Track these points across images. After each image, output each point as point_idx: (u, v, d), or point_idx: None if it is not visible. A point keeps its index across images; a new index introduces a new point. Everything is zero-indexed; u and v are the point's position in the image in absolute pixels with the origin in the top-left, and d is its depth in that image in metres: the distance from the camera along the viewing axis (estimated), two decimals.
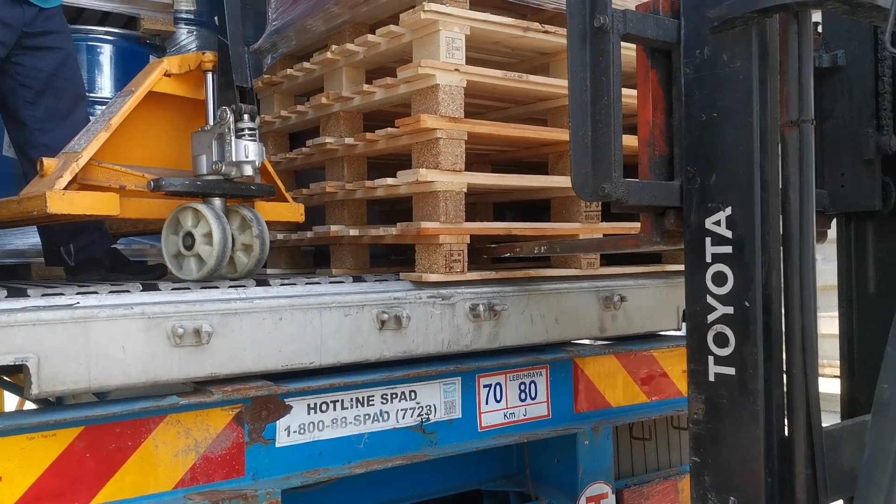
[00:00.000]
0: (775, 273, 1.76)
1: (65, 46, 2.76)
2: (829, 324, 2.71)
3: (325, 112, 2.86)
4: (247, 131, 2.32)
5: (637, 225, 2.06)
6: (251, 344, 2.07)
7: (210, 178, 2.35)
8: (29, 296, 1.89)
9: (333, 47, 2.76)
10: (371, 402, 2.32)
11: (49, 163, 2.25)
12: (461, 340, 2.42)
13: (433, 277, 2.38)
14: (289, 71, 3.03)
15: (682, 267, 1.93)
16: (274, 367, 2.11)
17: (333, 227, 2.74)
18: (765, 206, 1.75)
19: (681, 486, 2.99)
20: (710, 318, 1.80)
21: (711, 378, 1.80)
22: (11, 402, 5.12)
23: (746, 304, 1.74)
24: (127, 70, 3.52)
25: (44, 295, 1.90)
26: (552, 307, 2.62)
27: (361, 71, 2.80)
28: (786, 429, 1.78)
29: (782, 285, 1.76)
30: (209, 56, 2.44)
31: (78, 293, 1.94)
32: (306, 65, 2.91)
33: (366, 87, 2.63)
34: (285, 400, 2.16)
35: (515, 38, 2.61)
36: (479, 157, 3.30)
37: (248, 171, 2.34)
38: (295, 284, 2.27)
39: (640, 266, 2.93)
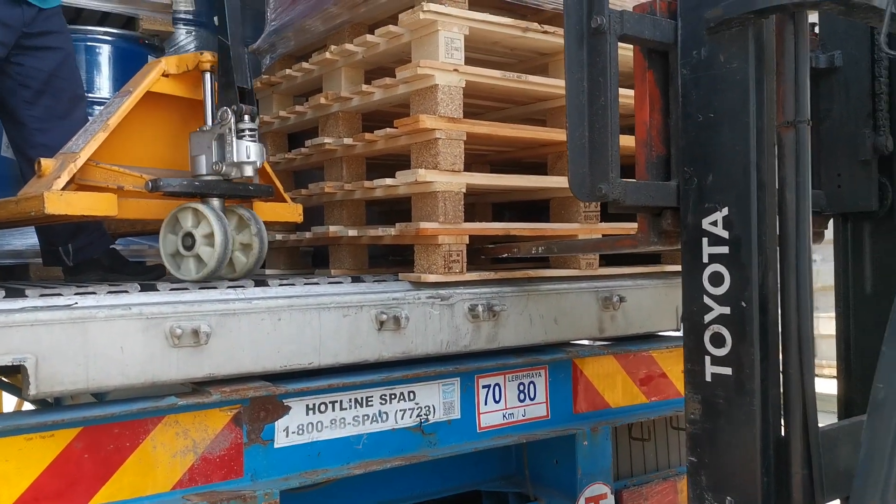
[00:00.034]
0: (772, 273, 1.76)
1: (64, 46, 2.75)
2: (829, 324, 2.70)
3: (323, 112, 2.85)
4: (247, 132, 2.33)
5: (636, 225, 2.06)
6: (250, 344, 2.07)
7: (208, 178, 2.35)
8: (27, 296, 1.88)
9: (332, 47, 2.76)
10: (370, 403, 2.31)
11: (47, 163, 2.25)
12: (460, 341, 2.42)
13: (432, 278, 2.38)
14: (287, 71, 3.02)
15: (680, 267, 1.94)
16: (272, 367, 2.11)
17: (332, 228, 2.74)
18: (761, 206, 1.75)
19: (680, 487, 2.99)
20: (707, 318, 1.81)
21: (708, 378, 1.81)
22: (10, 402, 5.12)
23: (743, 304, 1.74)
24: (126, 70, 3.52)
25: (42, 295, 1.90)
26: (551, 308, 2.61)
27: (360, 71, 2.80)
28: (782, 429, 1.78)
29: (779, 286, 1.77)
30: (207, 56, 2.44)
31: (76, 293, 1.94)
32: (305, 65, 2.91)
33: (364, 87, 2.62)
34: (284, 401, 2.16)
35: (514, 39, 2.61)
36: (478, 157, 3.29)
37: (249, 171, 2.34)
38: (293, 285, 2.27)
39: (640, 266, 2.92)
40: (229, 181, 2.36)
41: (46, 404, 3.07)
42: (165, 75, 2.42)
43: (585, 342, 2.90)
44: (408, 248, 2.57)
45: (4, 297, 1.88)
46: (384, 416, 2.34)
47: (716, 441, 1.80)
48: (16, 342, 1.76)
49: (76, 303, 1.88)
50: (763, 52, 1.77)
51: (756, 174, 1.75)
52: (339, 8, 2.75)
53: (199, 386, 2.06)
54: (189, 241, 2.31)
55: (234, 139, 2.30)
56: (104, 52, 3.68)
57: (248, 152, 2.31)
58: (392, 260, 3.64)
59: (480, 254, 2.80)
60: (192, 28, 3.87)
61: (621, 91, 1.88)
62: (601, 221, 2.78)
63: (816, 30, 2.24)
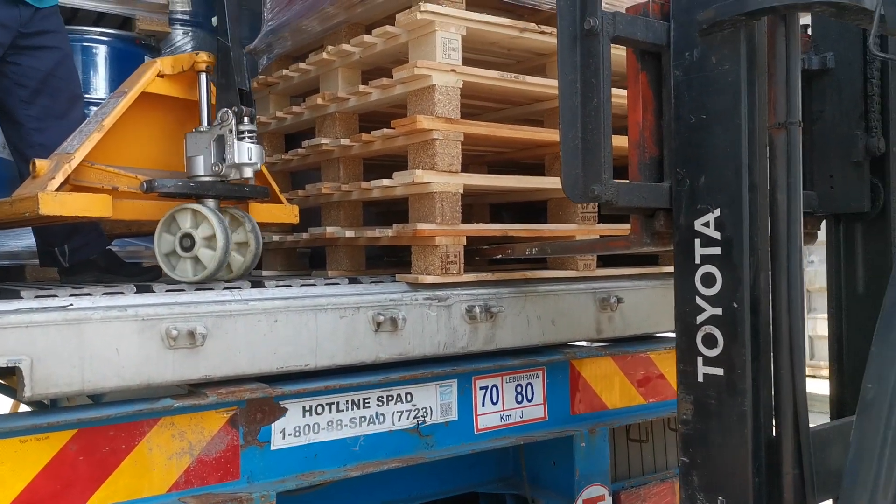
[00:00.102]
0: (763, 274, 1.77)
1: (61, 46, 2.75)
2: (826, 325, 2.70)
3: (320, 113, 2.85)
4: (247, 133, 2.32)
5: None
6: (246, 346, 2.06)
7: (204, 179, 2.34)
8: (22, 297, 1.88)
9: (329, 48, 2.75)
10: (367, 405, 2.31)
11: (41, 164, 2.24)
12: (457, 342, 2.41)
13: (429, 279, 2.37)
14: (284, 72, 3.02)
15: None
16: (269, 369, 2.10)
17: (329, 229, 2.74)
18: (753, 207, 1.76)
19: (677, 489, 2.97)
20: (699, 319, 1.81)
21: (700, 379, 1.82)
22: (5, 404, 5.10)
23: (734, 305, 1.75)
24: (122, 71, 3.50)
25: (37, 297, 1.89)
26: (549, 309, 2.61)
27: (357, 72, 2.79)
28: (773, 429, 1.79)
29: (770, 286, 1.77)
30: (203, 57, 2.43)
31: (71, 295, 1.93)
32: (302, 65, 2.90)
33: (362, 87, 2.62)
34: (280, 402, 2.15)
35: (512, 39, 2.61)
36: (476, 158, 3.29)
37: (249, 173, 2.34)
38: (290, 286, 2.26)
39: (637, 267, 2.92)
40: (225, 182, 2.36)
41: (42, 406, 3.06)
42: (161, 76, 2.41)
43: (583, 343, 2.90)
44: (405, 250, 2.57)
45: (0, 299, 1.87)
46: (381, 418, 2.33)
47: (708, 441, 1.81)
48: (11, 344, 1.75)
49: (72, 304, 1.87)
50: (755, 53, 1.78)
51: (748, 175, 1.76)
52: (335, 8, 2.75)
53: (196, 388, 2.05)
54: (188, 242, 2.30)
55: (235, 140, 2.30)
56: (100, 53, 3.67)
57: (249, 154, 2.31)
58: (389, 261, 3.63)
59: (475, 255, 2.79)
60: (189, 28, 3.86)
61: (615, 91, 1.88)
62: (599, 222, 2.77)
63: (809, 31, 2.24)
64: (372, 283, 2.41)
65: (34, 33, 2.65)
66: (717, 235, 1.78)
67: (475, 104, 2.89)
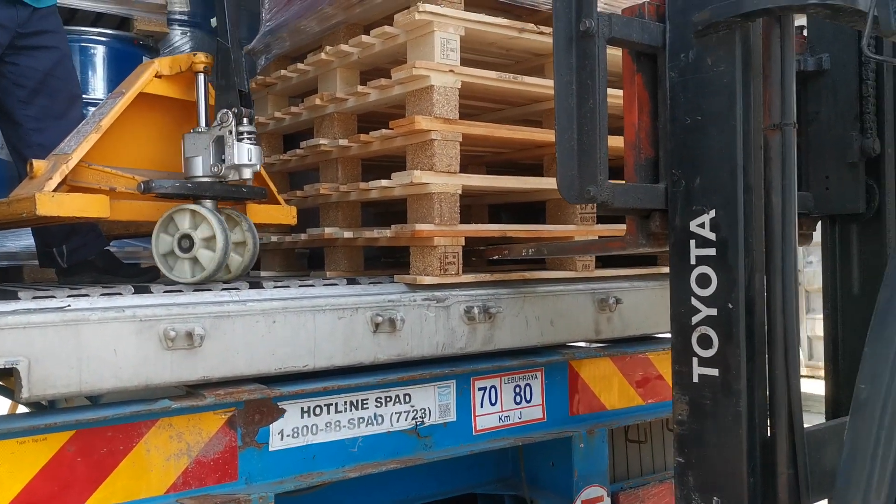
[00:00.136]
0: (758, 275, 1.78)
1: (60, 46, 2.74)
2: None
3: (319, 113, 2.84)
4: (246, 134, 2.32)
5: None
6: (244, 347, 2.06)
7: (202, 179, 2.33)
8: (20, 298, 1.87)
9: (327, 48, 2.75)
10: (365, 406, 2.30)
11: (39, 164, 2.23)
12: (456, 343, 2.41)
13: (428, 280, 2.37)
14: (283, 72, 3.01)
15: None
16: (267, 370, 2.10)
17: (328, 230, 2.73)
18: (748, 208, 1.77)
19: None
20: (695, 319, 1.82)
21: (695, 379, 1.83)
22: (3, 405, 5.10)
23: (730, 305, 1.76)
24: (120, 71, 3.50)
25: (35, 297, 1.89)
26: (547, 309, 2.61)
27: (356, 72, 2.79)
28: (768, 429, 1.79)
29: (765, 287, 1.78)
30: (200, 57, 2.43)
31: (69, 296, 1.92)
32: (300, 66, 2.90)
33: (360, 88, 2.61)
34: (279, 403, 2.15)
35: (510, 40, 2.61)
36: (474, 158, 3.29)
37: (248, 174, 2.34)
38: (288, 287, 2.26)
39: (636, 268, 2.92)
40: (223, 183, 2.35)
41: (40, 407, 3.05)
42: (158, 76, 2.41)
43: (582, 344, 2.89)
44: (403, 250, 2.56)
45: None
46: (380, 419, 2.33)
47: (703, 442, 1.82)
48: (8, 345, 1.75)
49: (69, 305, 1.87)
50: (750, 55, 1.78)
51: (743, 177, 1.76)
52: (334, 8, 2.75)
53: (194, 389, 2.05)
54: (187, 242, 2.29)
55: (234, 142, 2.30)
56: (98, 53, 3.67)
57: (248, 155, 2.31)
58: (387, 262, 3.63)
59: (472, 255, 2.79)
60: (188, 29, 3.86)
61: (611, 92, 1.88)
62: (597, 223, 2.77)
63: (805, 33, 2.25)
64: (370, 283, 2.41)
65: (32, 33, 2.65)
66: (712, 236, 1.79)
67: (474, 105, 2.89)
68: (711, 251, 1.79)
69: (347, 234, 2.66)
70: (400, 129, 2.43)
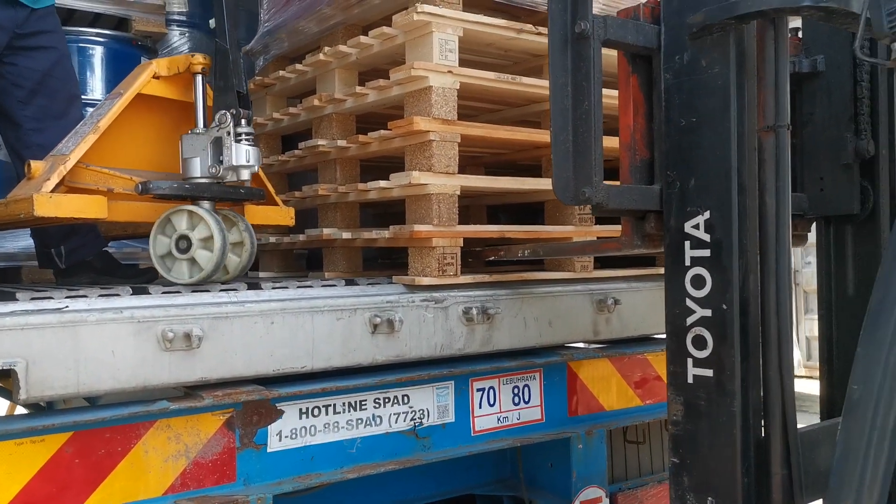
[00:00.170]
0: (752, 276, 1.79)
1: (58, 46, 2.74)
2: None
3: (317, 114, 2.84)
4: (245, 136, 2.32)
5: None
6: (242, 348, 2.06)
7: (200, 180, 2.33)
8: (18, 299, 1.87)
9: (326, 49, 2.75)
10: (363, 407, 2.30)
11: (36, 165, 2.23)
12: (454, 344, 2.41)
13: (426, 281, 2.37)
14: (281, 73, 3.01)
15: None
16: (265, 371, 2.10)
17: (326, 230, 2.73)
18: (742, 210, 1.77)
19: None
20: (689, 320, 1.83)
21: (690, 380, 1.83)
22: (1, 406, 5.09)
23: (724, 306, 1.76)
24: (118, 72, 3.49)
25: (33, 299, 1.88)
26: (546, 310, 2.61)
27: (354, 73, 2.79)
28: (762, 430, 1.80)
29: (759, 288, 1.78)
30: (198, 58, 2.43)
31: (67, 297, 1.92)
32: (298, 66, 2.90)
33: (358, 89, 2.61)
34: (277, 404, 2.15)
35: (509, 40, 2.61)
36: (473, 159, 3.29)
37: (246, 175, 2.34)
38: (287, 288, 2.25)
39: (634, 269, 2.92)
40: (221, 184, 2.35)
41: (38, 408, 3.05)
42: (156, 77, 2.40)
43: (580, 345, 2.89)
44: (402, 251, 2.56)
45: None
46: (378, 420, 2.33)
47: (697, 442, 1.82)
48: (6, 346, 1.75)
49: (67, 306, 1.86)
50: (744, 57, 1.79)
51: (737, 178, 1.77)
52: (332, 9, 2.75)
53: (192, 390, 2.05)
54: (184, 243, 2.29)
55: (233, 143, 2.29)
56: (97, 54, 3.66)
57: (247, 156, 2.31)
58: (386, 263, 3.63)
59: (470, 256, 2.79)
60: (186, 29, 3.85)
61: (606, 93, 1.88)
62: (596, 224, 2.77)
63: (800, 35, 2.25)
64: (369, 284, 2.41)
65: (30, 34, 2.64)
66: (706, 238, 1.80)
67: (472, 105, 2.89)
68: (706, 252, 1.79)
69: (346, 235, 2.66)
70: (398, 129, 2.43)
